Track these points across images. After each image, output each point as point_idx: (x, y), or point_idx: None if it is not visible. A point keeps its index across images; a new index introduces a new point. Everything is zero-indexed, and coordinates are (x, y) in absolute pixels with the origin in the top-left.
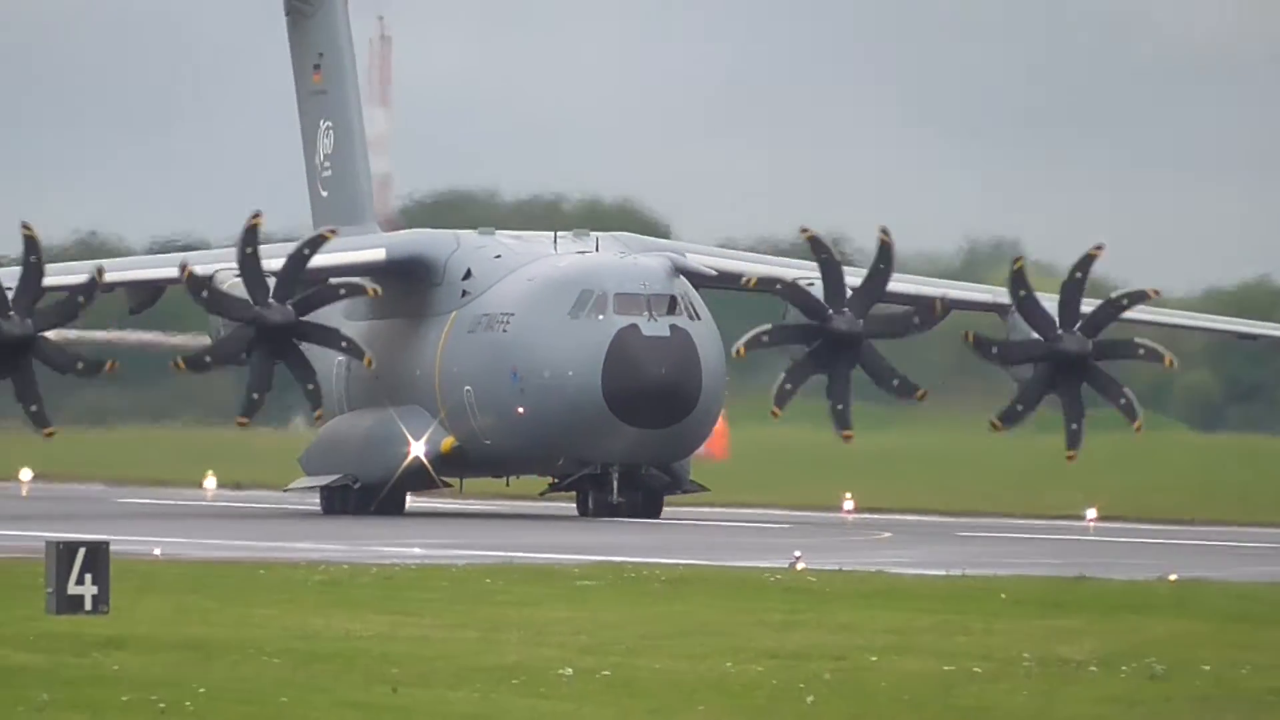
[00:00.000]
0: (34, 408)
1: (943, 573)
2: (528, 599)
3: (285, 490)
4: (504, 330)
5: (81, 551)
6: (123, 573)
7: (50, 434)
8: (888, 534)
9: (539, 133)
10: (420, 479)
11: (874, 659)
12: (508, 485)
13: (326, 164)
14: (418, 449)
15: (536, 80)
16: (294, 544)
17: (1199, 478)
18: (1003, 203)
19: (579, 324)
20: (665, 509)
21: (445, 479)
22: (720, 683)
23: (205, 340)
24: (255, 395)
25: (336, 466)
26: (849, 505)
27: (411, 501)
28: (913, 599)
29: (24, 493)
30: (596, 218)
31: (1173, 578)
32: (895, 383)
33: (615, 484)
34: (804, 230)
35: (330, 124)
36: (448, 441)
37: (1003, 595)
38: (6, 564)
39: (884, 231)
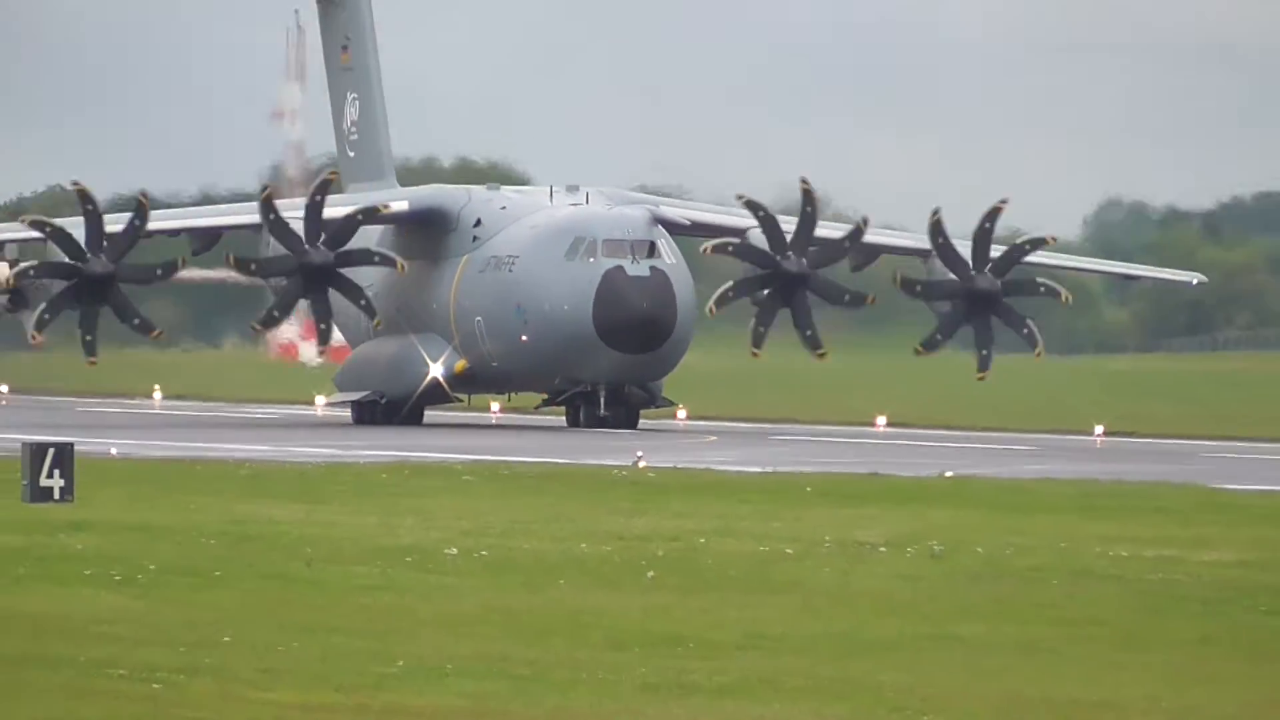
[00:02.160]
0: (89, 338)
1: (759, 470)
2: (419, 491)
3: (323, 402)
4: (510, 270)
5: (51, 451)
6: (86, 469)
7: (93, 363)
8: (713, 437)
9: (419, 102)
10: (437, 395)
11: (702, 540)
12: (509, 401)
13: (353, 129)
14: (435, 370)
15: (417, 56)
16: (223, 445)
17: (1005, 394)
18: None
19: (573, 265)
20: (641, 421)
21: (457, 395)
22: (577, 560)
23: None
24: (323, 326)
25: (366, 384)
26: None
27: (429, 414)
28: (734, 491)
29: (156, 406)
30: (470, 174)
31: (949, 474)
32: (846, 298)
33: (602, 400)
34: (739, 196)
35: (356, 96)
36: (461, 364)
37: (808, 489)
38: None
39: (804, 181)
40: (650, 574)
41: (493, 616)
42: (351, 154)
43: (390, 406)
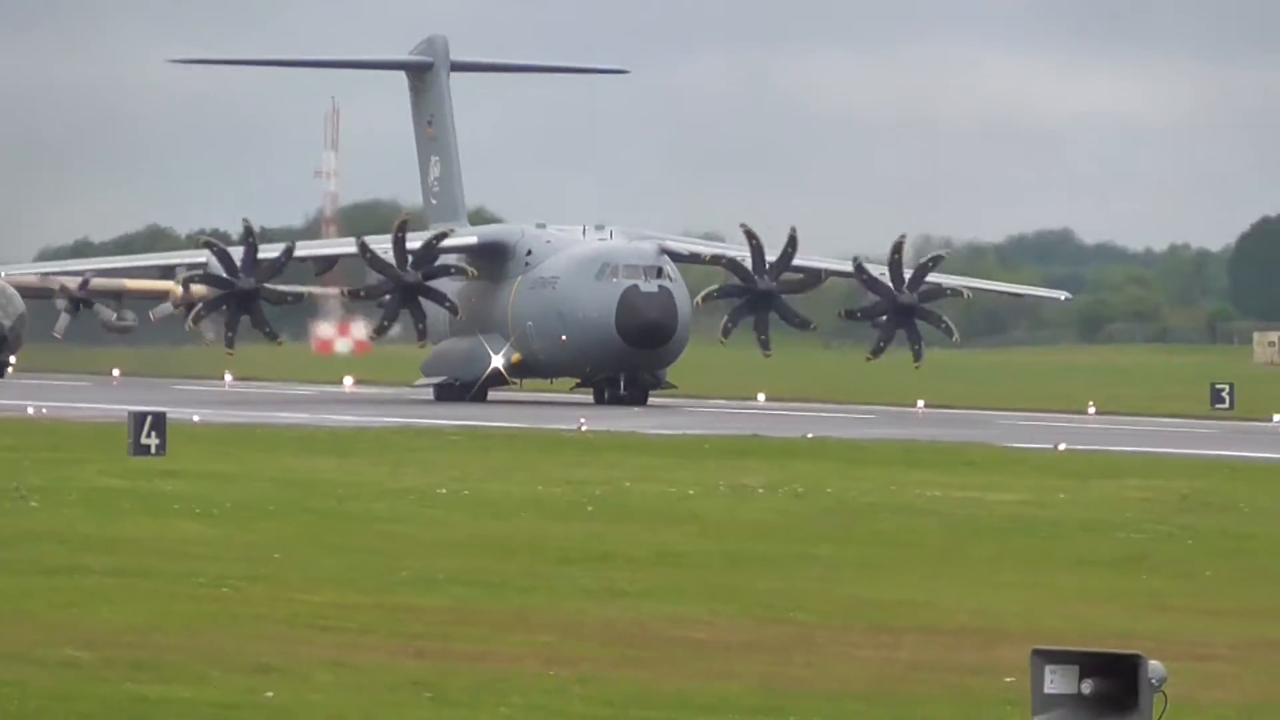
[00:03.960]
0: (267, 329)
1: (671, 433)
2: (421, 448)
3: (412, 386)
4: (554, 289)
5: (149, 418)
6: (175, 432)
7: (281, 342)
8: (638, 409)
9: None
10: (497, 379)
11: (628, 485)
12: (551, 384)
13: (435, 184)
14: (496, 361)
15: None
16: (278, 414)
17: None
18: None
19: (601, 284)
20: (651, 399)
21: (513, 380)
22: (534, 499)
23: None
24: (386, 323)
25: (444, 371)
26: (761, 398)
27: (492, 394)
28: (653, 449)
29: (348, 388)
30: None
31: (810, 435)
32: (797, 320)
33: (622, 383)
34: (742, 225)
35: (438, 159)
36: (516, 356)
37: (706, 445)
38: (109, 425)
39: (793, 229)
40: (589, 509)
41: (473, 540)
42: (434, 202)
43: (463, 388)
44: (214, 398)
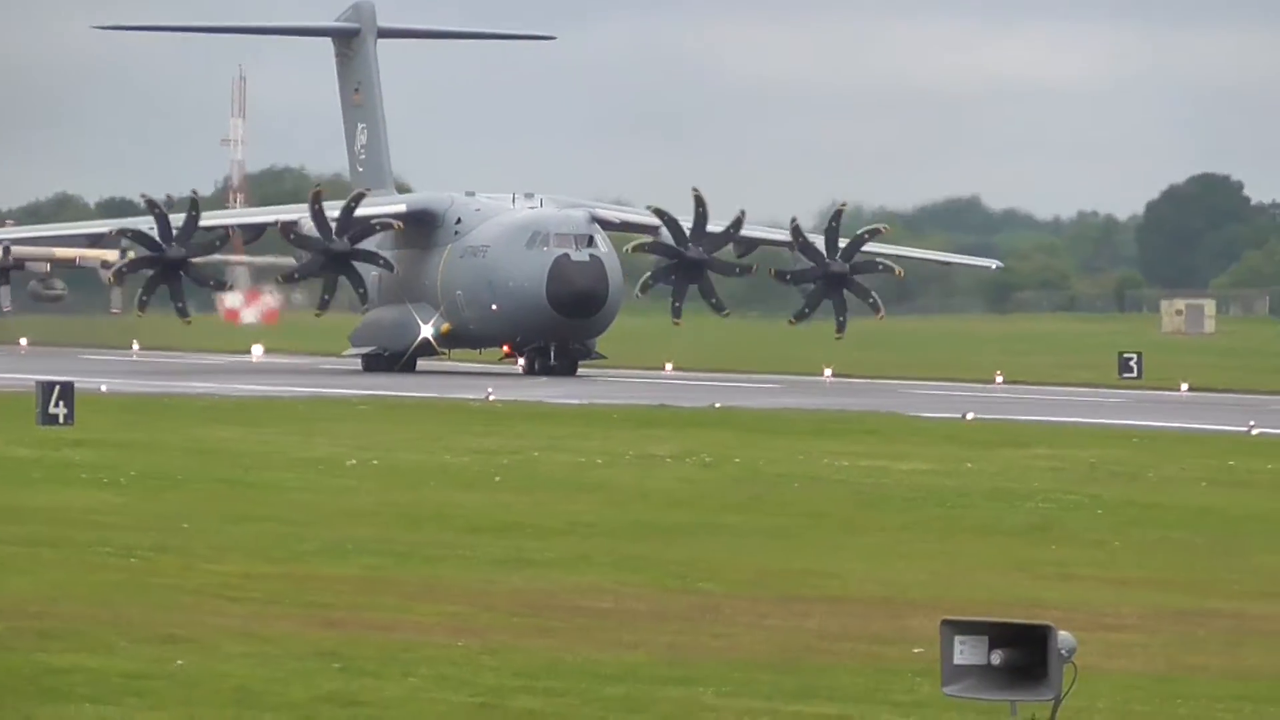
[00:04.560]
0: (180, 304)
1: (578, 402)
2: (329, 417)
3: (340, 355)
4: (484, 257)
5: (57, 387)
6: (83, 401)
7: (189, 321)
8: (544, 378)
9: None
10: (427, 349)
11: (536, 454)
12: (480, 354)
13: (362, 152)
14: (426, 330)
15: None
16: (185, 383)
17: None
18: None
19: (532, 253)
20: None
21: (442, 350)
22: (443, 469)
23: (288, 260)
24: (326, 296)
25: (373, 342)
26: (669, 368)
27: (421, 364)
28: (560, 418)
29: (256, 357)
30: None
31: (718, 405)
32: (737, 270)
33: (552, 353)
34: (649, 206)
35: (364, 126)
36: (445, 326)
37: (614, 415)
38: (17, 395)
39: (741, 212)
40: (497, 478)
41: (381, 509)
42: (360, 170)
43: (391, 358)
44: (123, 367)
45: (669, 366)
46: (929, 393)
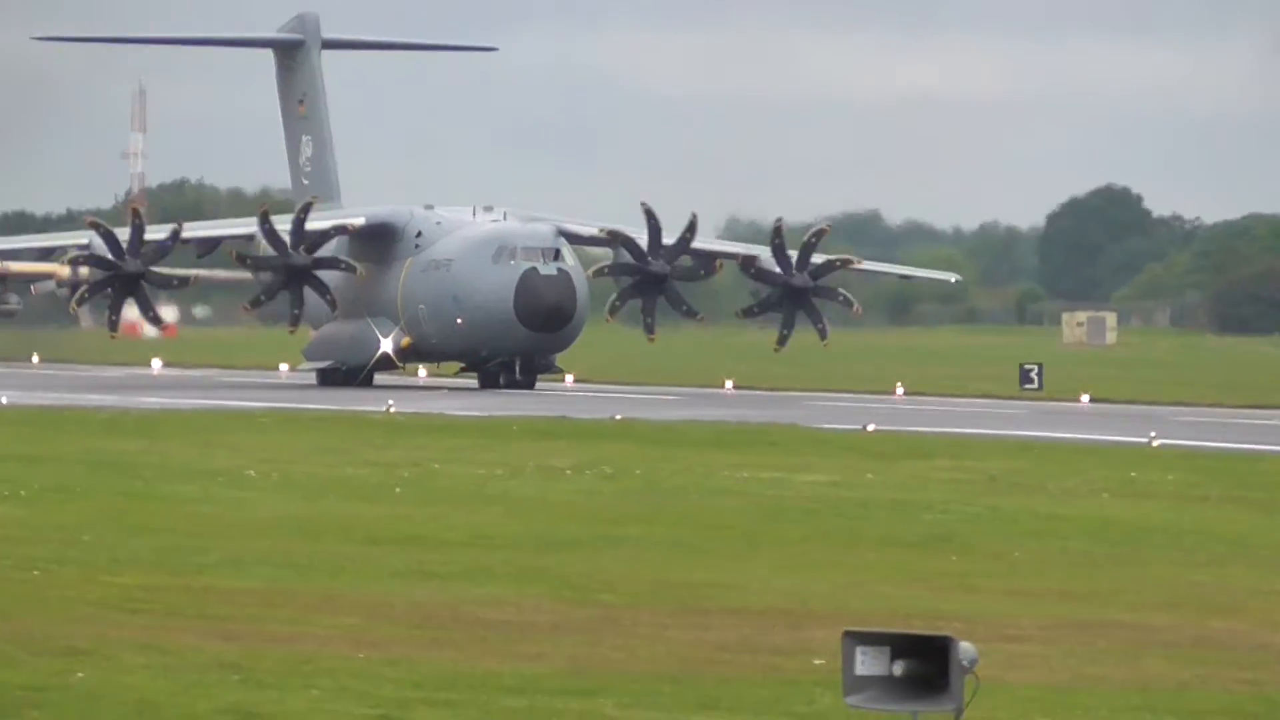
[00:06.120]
0: (151, 313)
1: (479, 414)
2: (230, 429)
3: (294, 370)
4: (448, 270)
5: None
6: None
7: (164, 328)
8: (446, 389)
9: (238, 139)
10: (386, 364)
11: (437, 466)
12: (438, 368)
13: (308, 164)
14: (385, 344)
15: (241, 108)
16: (85, 396)
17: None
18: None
19: (498, 267)
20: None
21: (401, 364)
22: (343, 481)
23: (245, 274)
24: (296, 312)
25: (329, 356)
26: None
27: (378, 378)
28: (461, 430)
29: (156, 371)
30: (276, 203)
31: (618, 417)
32: (684, 309)
33: (518, 367)
34: (642, 204)
35: (310, 138)
36: (406, 340)
37: (514, 427)
38: None
39: (693, 215)
40: (398, 490)
41: (281, 522)
42: (306, 182)
43: (350, 372)
44: (20, 380)
45: (570, 379)
46: (830, 404)
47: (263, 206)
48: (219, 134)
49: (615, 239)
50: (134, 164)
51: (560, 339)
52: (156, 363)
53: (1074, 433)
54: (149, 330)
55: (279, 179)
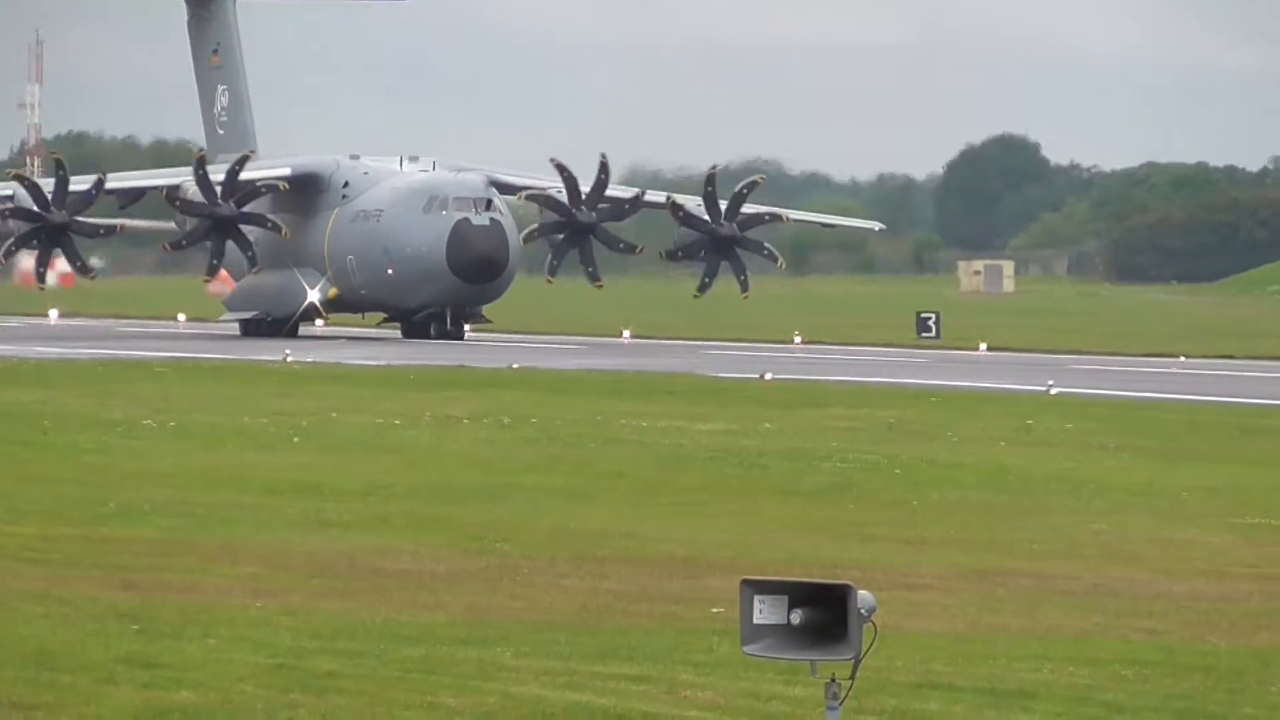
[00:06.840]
0: (79, 263)
1: (377, 364)
2: (127, 379)
3: (218, 321)
4: (378, 221)
5: None
6: None
7: (94, 277)
8: (344, 340)
9: (142, 89)
10: (312, 314)
11: (335, 415)
12: (363, 318)
13: (223, 114)
14: (313, 295)
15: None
16: None
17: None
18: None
19: (430, 217)
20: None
21: (328, 315)
22: (241, 429)
23: (169, 224)
24: (215, 262)
25: (253, 306)
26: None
27: (303, 329)
28: (359, 380)
29: (52, 321)
30: (171, 153)
31: (515, 366)
32: (621, 246)
33: (448, 317)
34: (552, 159)
35: (225, 88)
36: (333, 291)
37: (411, 376)
38: None
39: (604, 155)
40: (295, 439)
41: (179, 471)
42: (221, 132)
43: (274, 323)
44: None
45: (468, 328)
46: (727, 354)
47: (199, 153)
48: (116, 86)
49: (537, 200)
50: (30, 114)
51: (492, 289)
52: (54, 313)
53: (972, 381)
54: (50, 280)
55: (179, 130)
